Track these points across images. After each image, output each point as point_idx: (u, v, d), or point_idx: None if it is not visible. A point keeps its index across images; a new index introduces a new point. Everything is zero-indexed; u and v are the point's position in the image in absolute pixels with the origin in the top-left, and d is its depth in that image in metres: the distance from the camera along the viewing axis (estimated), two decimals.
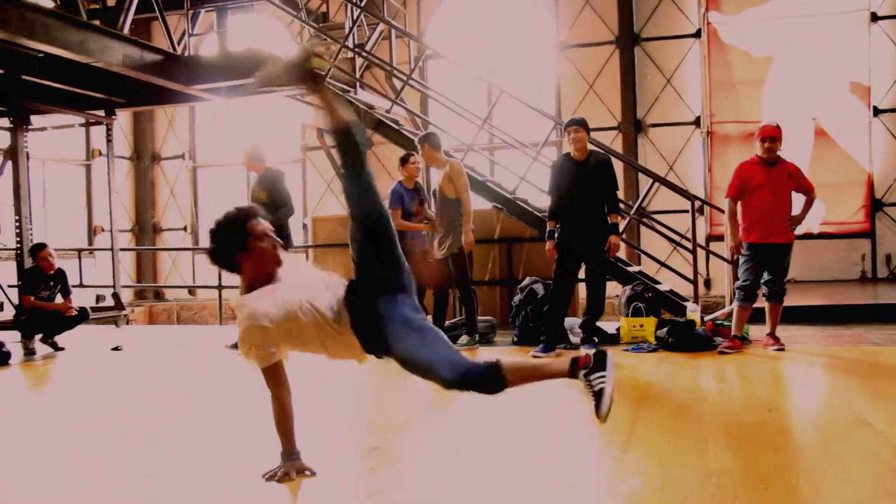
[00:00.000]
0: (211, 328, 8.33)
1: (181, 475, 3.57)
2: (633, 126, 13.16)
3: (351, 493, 3.27)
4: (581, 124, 7.12)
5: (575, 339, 7.43)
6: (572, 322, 7.73)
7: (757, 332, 7.44)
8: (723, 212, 7.59)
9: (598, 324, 7.49)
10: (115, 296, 11.23)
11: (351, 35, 10.64)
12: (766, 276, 7.02)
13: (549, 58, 13.82)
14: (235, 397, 5.77)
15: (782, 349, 6.89)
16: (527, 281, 8.23)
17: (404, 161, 8.07)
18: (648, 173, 9.85)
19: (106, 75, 9.55)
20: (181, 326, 10.96)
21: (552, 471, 3.45)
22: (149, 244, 16.36)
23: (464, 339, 7.62)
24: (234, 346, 7.98)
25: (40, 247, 8.40)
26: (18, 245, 9.54)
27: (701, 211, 9.74)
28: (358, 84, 10.81)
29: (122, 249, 12.42)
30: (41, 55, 8.77)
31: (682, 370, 6.17)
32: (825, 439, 3.90)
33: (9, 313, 9.00)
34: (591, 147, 7.32)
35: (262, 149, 8.32)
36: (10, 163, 9.91)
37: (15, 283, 9.62)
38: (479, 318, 8.00)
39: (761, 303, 7.20)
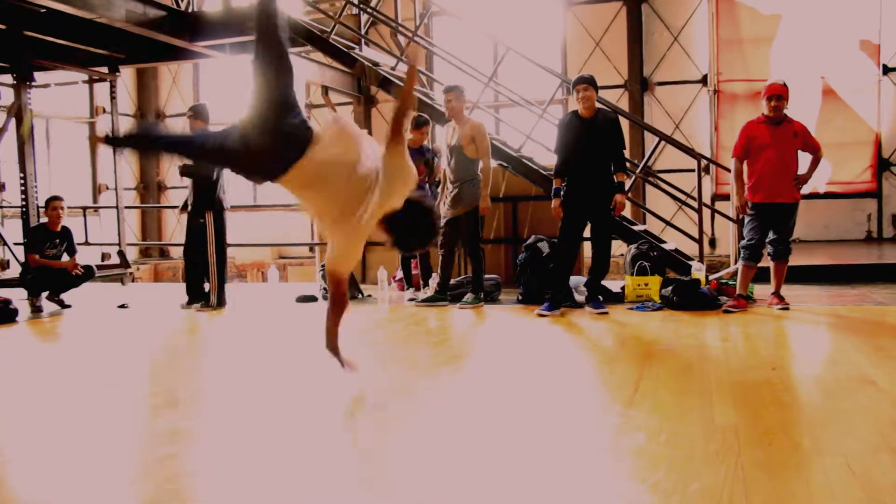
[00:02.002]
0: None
1: (188, 432, 3.61)
2: (639, 84, 13.08)
3: (350, 449, 3.30)
4: (589, 82, 7.07)
5: (580, 298, 7.45)
6: (577, 281, 7.75)
7: (762, 291, 7.47)
8: (729, 171, 7.57)
9: (603, 282, 7.50)
10: (121, 254, 11.27)
11: None
12: (771, 236, 7.03)
13: (555, 15, 13.69)
14: (238, 351, 5.82)
15: (787, 308, 6.91)
16: (532, 239, 8.23)
17: (419, 125, 8.10)
18: (655, 132, 9.82)
19: (109, 31, 9.50)
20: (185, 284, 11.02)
21: (556, 428, 3.48)
22: (153, 202, 16.37)
23: (469, 297, 7.64)
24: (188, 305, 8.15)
25: (55, 198, 8.41)
26: (24, 203, 9.54)
27: (707, 170, 9.73)
28: (363, 41, 10.74)
29: (126, 207, 12.42)
30: (44, 10, 8.72)
31: (686, 329, 6.19)
32: (828, 396, 3.92)
33: (15, 271, 9.03)
34: (598, 105, 7.28)
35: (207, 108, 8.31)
36: (14, 120, 9.88)
37: (21, 240, 9.64)
38: (485, 276, 8.03)
39: (766, 262, 7.21)
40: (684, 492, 2.60)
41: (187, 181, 8.16)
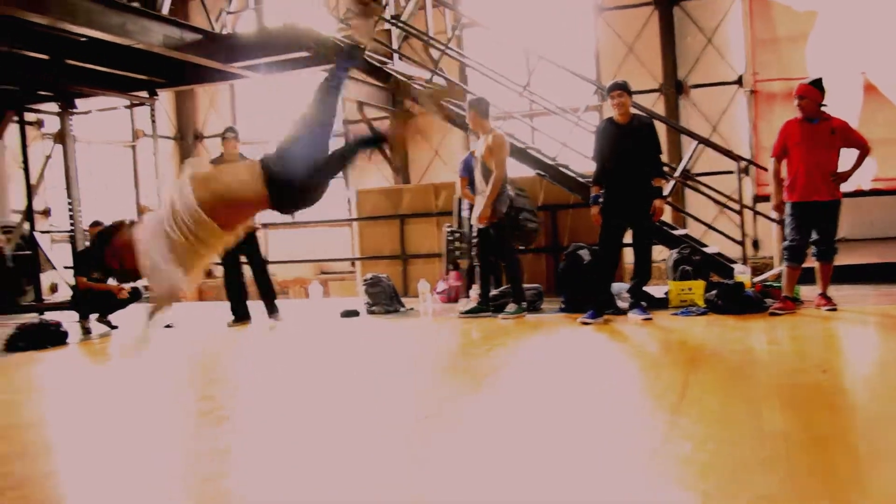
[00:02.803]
0: (257, 303, 8.43)
1: (235, 449, 3.64)
2: (674, 88, 12.98)
3: (401, 458, 3.30)
4: (624, 88, 7.04)
5: (623, 305, 7.40)
6: (620, 287, 7.71)
7: (808, 292, 7.36)
8: (768, 171, 7.49)
9: (646, 288, 7.45)
10: None
11: (387, 6, 10.61)
12: (814, 236, 6.93)
13: (586, 21, 13.65)
14: (286, 367, 5.86)
15: (834, 309, 6.81)
16: (572, 247, 8.20)
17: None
18: (692, 135, 9.74)
19: (147, 56, 9.66)
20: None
21: (601, 436, 3.45)
22: None
23: (511, 307, 7.63)
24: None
25: (94, 224, 8.56)
26: (71, 227, 9.71)
27: (746, 171, 9.60)
28: (396, 55, 10.80)
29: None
30: (84, 39, 8.89)
31: (732, 332, 6.13)
32: (882, 399, 3.85)
33: (65, 294, 9.19)
34: (633, 111, 7.25)
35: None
36: (59, 147, 10.07)
37: (69, 264, 9.80)
38: (526, 285, 8.02)
39: (812, 263, 7.11)
40: (735, 501, 2.56)
41: None
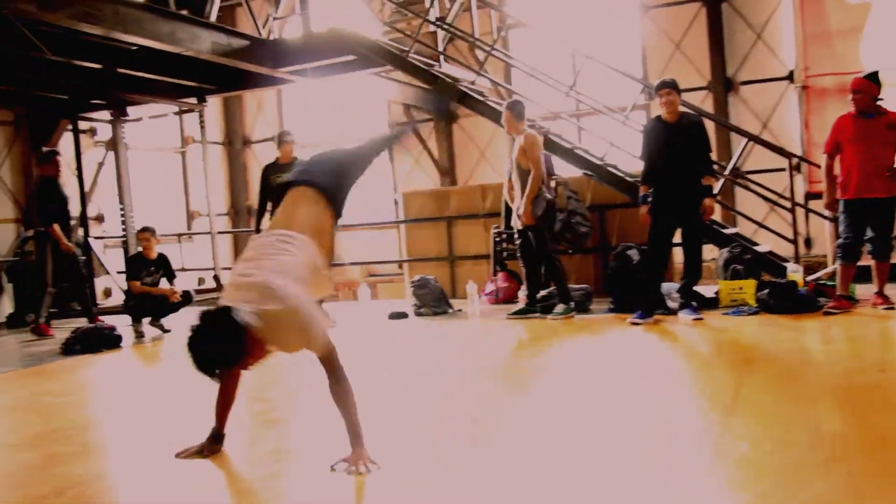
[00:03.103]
0: None
1: (290, 450, 3.67)
2: (722, 85, 12.83)
3: (449, 466, 3.30)
4: (672, 86, 6.98)
5: (673, 305, 7.33)
6: (669, 287, 7.63)
7: (864, 291, 7.22)
8: (821, 168, 7.37)
9: (696, 288, 7.37)
10: (216, 278, 11.56)
11: (432, 8, 10.65)
12: (869, 233, 6.80)
13: (632, 20, 13.54)
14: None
15: (892, 308, 6.68)
16: (621, 247, 8.14)
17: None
18: (741, 132, 9.61)
19: (196, 63, 9.80)
20: None
21: (654, 438, 3.42)
22: (244, 226, 16.72)
23: (559, 307, 7.59)
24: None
25: (143, 230, 8.69)
26: (123, 233, 9.87)
27: (798, 168, 9.46)
28: (441, 57, 10.82)
29: (219, 232, 12.75)
30: (135, 48, 9.06)
31: (785, 332, 6.04)
32: None
33: (118, 299, 9.35)
34: (682, 109, 7.18)
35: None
36: (111, 154, 10.26)
37: (122, 269, 9.97)
38: (574, 286, 7.98)
39: (868, 261, 6.98)
40: (792, 503, 2.53)
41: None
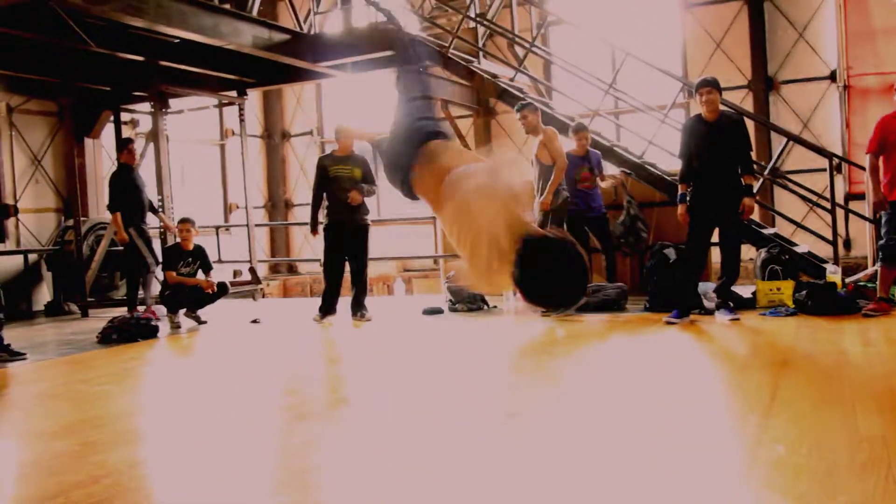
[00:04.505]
0: (342, 299, 8.52)
1: (326, 444, 3.71)
2: (763, 84, 12.70)
3: (485, 457, 3.32)
4: (713, 85, 6.93)
5: (709, 305, 7.29)
6: (706, 287, 7.59)
7: None
8: (863, 169, 7.29)
9: (733, 288, 7.32)
10: (252, 270, 11.66)
11: (472, 4, 10.65)
12: None
13: (673, 17, 13.44)
14: (372, 363, 5.94)
15: None
16: (658, 246, 8.11)
17: (578, 130, 8.42)
18: (782, 132, 9.52)
19: (237, 57, 9.89)
20: (314, 299, 11.29)
21: (691, 439, 3.42)
22: (281, 219, 16.85)
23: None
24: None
25: (183, 220, 8.79)
26: (162, 224, 9.99)
27: (839, 169, 9.35)
28: (481, 53, 10.82)
29: (256, 225, 12.84)
30: (177, 41, 9.15)
31: (823, 334, 5.99)
32: None
33: (156, 289, 9.46)
34: (722, 107, 7.13)
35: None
36: (151, 145, 10.39)
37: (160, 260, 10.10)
38: (610, 284, 7.99)
39: None
40: None
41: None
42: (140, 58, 9.52)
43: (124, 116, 11.85)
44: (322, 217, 8.30)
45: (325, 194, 8.27)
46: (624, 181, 8.93)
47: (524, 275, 2.54)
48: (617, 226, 8.64)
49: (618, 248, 8.60)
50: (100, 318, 8.98)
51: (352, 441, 3.69)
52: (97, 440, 3.80)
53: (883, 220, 6.86)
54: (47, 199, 11.83)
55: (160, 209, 9.82)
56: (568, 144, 8.39)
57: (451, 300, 8.84)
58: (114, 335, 7.57)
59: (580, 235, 8.08)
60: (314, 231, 8.32)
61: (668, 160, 9.02)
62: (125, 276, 10.04)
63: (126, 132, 11.88)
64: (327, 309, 8.36)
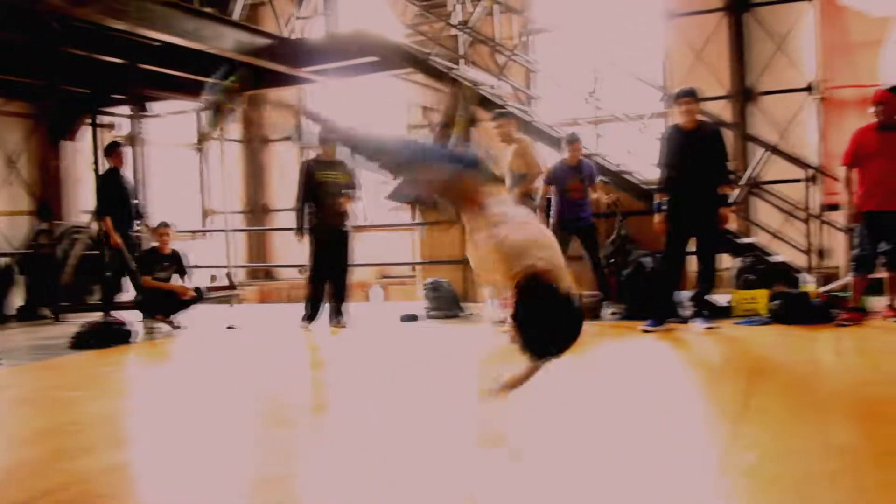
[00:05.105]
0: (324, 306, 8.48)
1: (299, 451, 3.69)
2: (742, 94, 12.79)
3: (457, 466, 3.31)
4: (692, 95, 6.98)
5: (685, 313, 7.32)
6: (683, 295, 7.63)
7: (878, 303, 7.20)
8: (838, 180, 7.37)
9: (709, 297, 7.36)
10: (229, 276, 11.61)
11: (454, 12, 10.67)
12: (885, 246, 6.79)
13: (655, 27, 13.51)
14: (348, 370, 5.92)
15: None
16: (635, 255, 8.14)
17: (572, 141, 8.36)
18: (760, 142, 9.59)
19: (218, 61, 9.84)
20: (292, 305, 11.27)
21: (664, 446, 3.42)
22: (260, 225, 16.78)
23: None
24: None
25: (162, 224, 8.74)
26: (139, 227, 9.93)
27: (815, 180, 9.42)
28: (462, 60, 10.83)
29: (234, 230, 12.79)
30: (158, 44, 9.11)
31: (796, 343, 6.03)
32: None
33: (131, 293, 9.39)
34: (700, 117, 7.18)
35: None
36: (129, 148, 10.33)
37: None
38: (587, 292, 8.00)
39: (883, 273, 6.96)
40: None
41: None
42: (120, 60, 9.48)
43: (102, 119, 11.77)
44: (305, 222, 8.25)
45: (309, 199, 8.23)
46: (618, 200, 8.95)
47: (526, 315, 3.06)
48: (607, 245, 8.68)
49: (606, 265, 8.56)
50: (73, 323, 8.88)
51: (329, 448, 3.68)
52: (68, 447, 3.76)
53: (856, 230, 6.93)
54: (21, 202, 11.72)
55: (141, 216, 9.74)
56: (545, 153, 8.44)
57: (428, 307, 8.84)
58: (85, 341, 7.45)
59: (563, 244, 8.10)
60: (301, 235, 8.27)
61: (647, 169, 9.06)
62: (103, 281, 9.90)
63: (104, 136, 11.81)
64: (313, 315, 8.32)
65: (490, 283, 3.49)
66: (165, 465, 3.49)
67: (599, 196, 8.62)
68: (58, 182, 11.21)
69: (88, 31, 8.60)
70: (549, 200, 8.36)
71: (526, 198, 7.77)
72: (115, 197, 9.11)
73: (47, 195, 10.87)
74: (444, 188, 3.81)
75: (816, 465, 2.99)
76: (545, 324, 3.03)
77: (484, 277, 3.58)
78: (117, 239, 8.96)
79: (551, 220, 8.35)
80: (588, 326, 6.58)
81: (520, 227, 3.41)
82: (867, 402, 4.02)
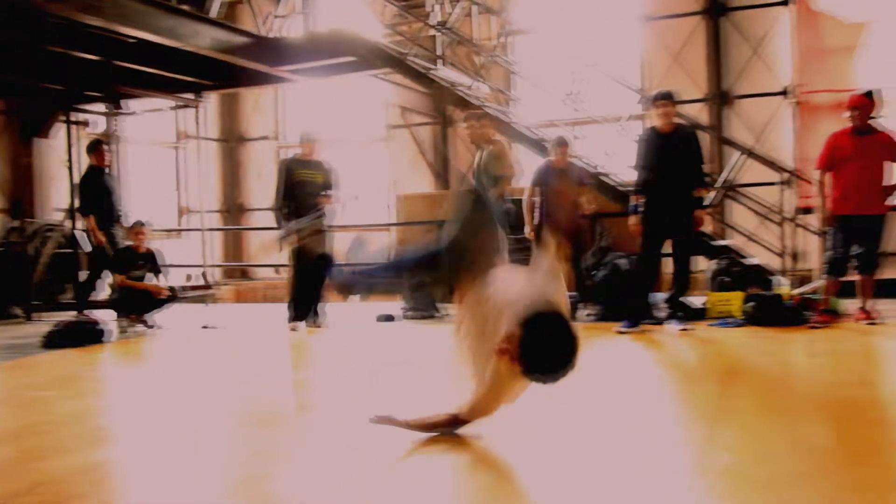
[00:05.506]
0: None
1: (275, 451, 3.67)
2: (718, 98, 12.88)
3: (445, 469, 3.31)
4: (669, 98, 7.02)
5: (660, 315, 7.36)
6: (658, 297, 7.66)
7: (850, 305, 7.26)
8: (812, 184, 7.44)
9: (684, 299, 7.40)
10: (205, 275, 11.54)
11: (433, 12, 10.66)
12: (857, 249, 6.86)
13: (633, 30, 13.57)
14: (324, 370, 5.90)
15: (874, 323, 6.73)
16: (611, 256, 8.18)
17: (560, 144, 8.34)
18: (735, 145, 9.65)
19: (195, 59, 9.79)
20: (268, 305, 11.24)
21: (637, 446, 3.43)
22: (236, 224, 16.71)
23: None
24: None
25: (138, 223, 8.67)
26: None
27: (789, 183, 9.51)
28: (440, 61, 10.83)
29: (210, 230, 12.71)
30: (133, 41, 9.03)
31: (770, 345, 6.07)
32: None
33: (105, 292, 9.31)
34: (677, 120, 7.22)
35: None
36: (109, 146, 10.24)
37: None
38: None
39: (855, 276, 7.03)
40: None
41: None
42: (95, 57, 9.39)
43: (77, 117, 11.65)
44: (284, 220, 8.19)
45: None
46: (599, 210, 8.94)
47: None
48: (589, 256, 8.70)
49: (587, 278, 8.54)
50: (45, 322, 8.79)
51: (307, 448, 3.66)
52: (39, 447, 3.72)
53: (830, 233, 7.00)
54: None
55: (119, 216, 9.62)
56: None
57: (404, 308, 8.83)
58: (57, 340, 7.38)
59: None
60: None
61: (624, 171, 9.09)
62: (83, 279, 9.76)
63: (78, 133, 11.70)
64: (302, 314, 8.26)
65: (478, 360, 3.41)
66: (139, 466, 3.47)
67: (584, 201, 8.60)
68: (30, 179, 11.09)
69: (63, 27, 8.51)
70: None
71: (499, 199, 7.79)
72: (99, 195, 9.01)
73: (19, 193, 10.74)
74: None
75: (789, 465, 3.01)
76: (553, 351, 3.02)
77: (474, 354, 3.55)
78: (101, 237, 8.87)
79: (535, 221, 8.39)
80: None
81: (518, 284, 3.50)
82: (839, 404, 4.05)
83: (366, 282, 4.24)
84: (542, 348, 3.01)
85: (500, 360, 3.14)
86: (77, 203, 9.29)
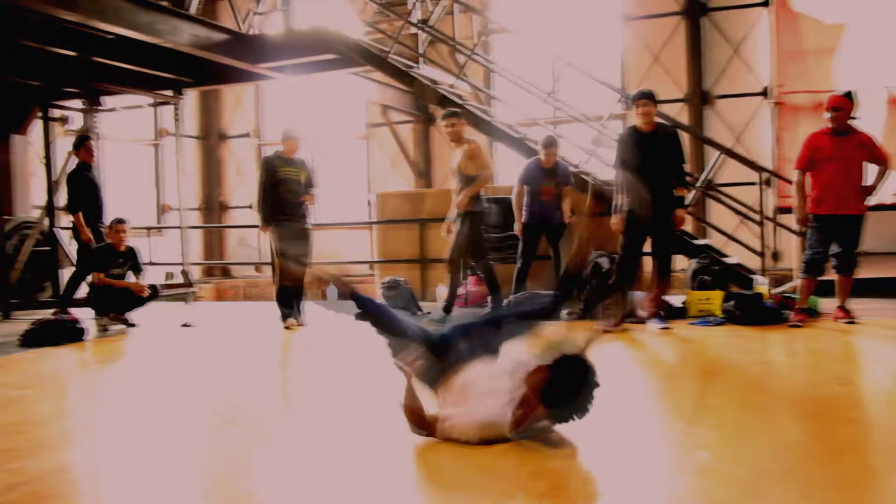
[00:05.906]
0: (271, 304, 8.42)
1: (251, 451, 3.66)
2: (699, 98, 12.94)
3: (425, 470, 3.29)
4: (649, 97, 7.03)
5: (641, 313, 7.38)
6: (638, 296, 7.68)
7: (829, 305, 7.32)
8: (791, 183, 7.48)
9: (665, 297, 7.42)
10: (184, 273, 11.47)
11: (414, 10, 10.65)
12: (836, 249, 6.90)
13: (613, 29, 13.61)
14: (303, 368, 5.88)
15: (852, 322, 6.77)
16: (592, 255, 8.19)
17: (548, 145, 8.40)
18: (715, 145, 9.69)
19: (174, 55, 9.72)
20: (248, 303, 11.20)
21: (617, 445, 3.44)
22: (216, 222, 16.63)
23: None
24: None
25: (118, 220, 8.60)
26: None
27: (769, 183, 9.56)
28: (421, 59, 10.82)
29: (190, 227, 12.63)
30: (112, 37, 8.96)
31: (749, 343, 6.10)
32: None
33: (84, 290, 9.22)
34: (658, 119, 7.24)
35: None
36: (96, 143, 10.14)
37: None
38: (543, 292, 8.02)
39: (833, 275, 7.08)
40: None
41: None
42: (72, 53, 9.31)
43: (54, 113, 11.54)
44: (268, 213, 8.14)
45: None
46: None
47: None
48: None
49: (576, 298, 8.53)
50: (23, 321, 8.70)
51: (282, 447, 3.64)
52: (15, 446, 3.68)
53: (808, 233, 7.04)
54: None
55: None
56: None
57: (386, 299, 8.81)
58: (36, 338, 7.31)
59: (530, 245, 8.43)
60: (266, 227, 8.16)
61: (605, 170, 9.11)
62: (59, 277, 9.68)
63: (56, 130, 11.60)
64: (293, 311, 8.22)
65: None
66: (116, 465, 3.43)
67: (568, 203, 8.60)
68: (7, 176, 10.98)
69: (38, 21, 8.43)
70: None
71: (475, 200, 7.78)
72: (86, 192, 8.93)
73: None
74: None
75: (768, 463, 3.02)
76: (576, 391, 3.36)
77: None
78: (88, 234, 8.79)
79: (522, 220, 8.41)
80: (545, 327, 6.61)
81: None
82: (815, 403, 4.08)
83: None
84: (567, 387, 3.32)
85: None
86: (65, 200, 9.20)
